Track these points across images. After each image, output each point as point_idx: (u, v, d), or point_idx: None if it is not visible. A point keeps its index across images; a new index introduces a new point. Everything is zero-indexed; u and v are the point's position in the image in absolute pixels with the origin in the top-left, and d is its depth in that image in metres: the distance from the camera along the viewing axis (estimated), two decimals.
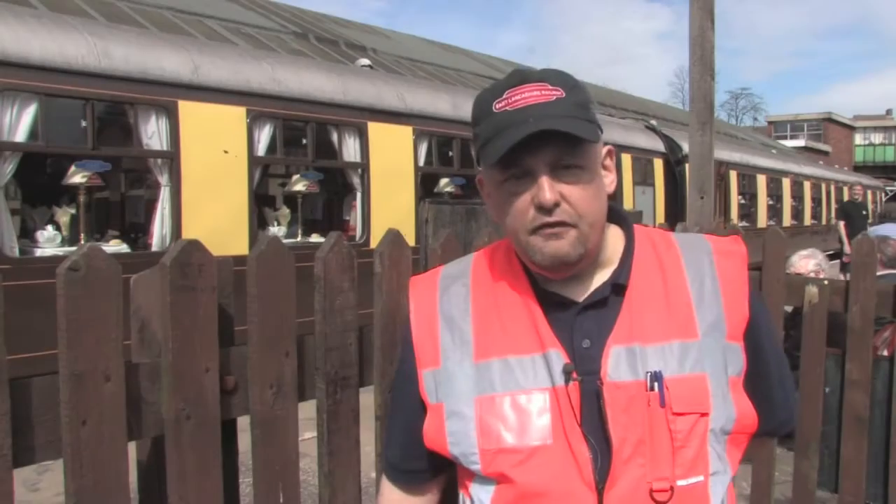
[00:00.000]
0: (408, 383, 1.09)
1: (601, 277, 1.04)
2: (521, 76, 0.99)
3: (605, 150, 1.04)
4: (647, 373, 0.96)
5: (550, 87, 0.97)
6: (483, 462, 0.98)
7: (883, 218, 8.12)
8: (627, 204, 11.11)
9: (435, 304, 1.09)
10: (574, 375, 0.96)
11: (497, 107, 0.98)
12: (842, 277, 5.36)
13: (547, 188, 0.95)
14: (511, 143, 0.93)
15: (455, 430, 1.01)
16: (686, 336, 0.99)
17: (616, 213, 1.09)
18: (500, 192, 1.00)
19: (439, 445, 1.03)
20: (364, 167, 7.20)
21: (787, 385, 1.13)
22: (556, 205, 0.95)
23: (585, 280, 1.04)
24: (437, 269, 1.17)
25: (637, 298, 1.01)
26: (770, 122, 44.72)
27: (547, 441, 0.96)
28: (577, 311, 1.01)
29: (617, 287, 1.02)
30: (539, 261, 0.99)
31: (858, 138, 43.44)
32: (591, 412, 0.95)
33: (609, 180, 1.05)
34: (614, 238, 1.08)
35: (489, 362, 1.01)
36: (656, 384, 0.95)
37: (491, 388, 0.99)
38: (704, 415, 0.96)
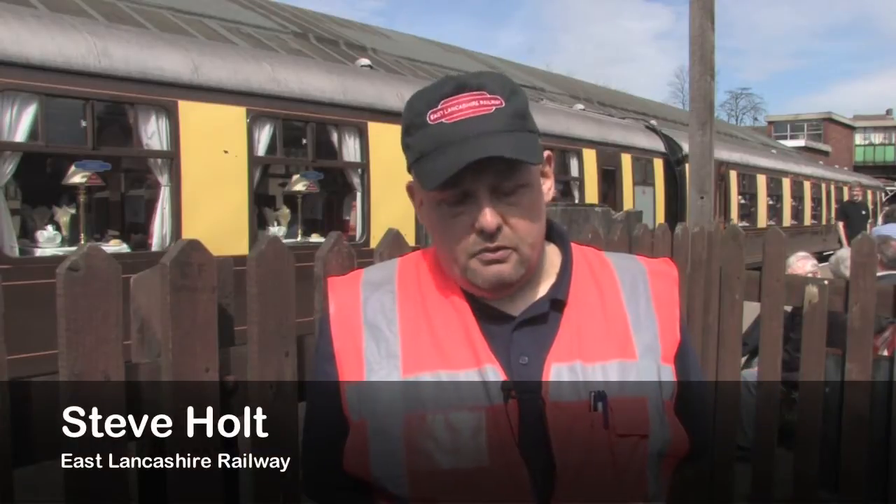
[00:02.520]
0: (327, 398, 0.99)
1: (538, 292, 0.99)
2: (457, 84, 0.92)
3: (545, 156, 0.99)
4: (591, 392, 0.92)
5: (489, 96, 0.91)
6: (411, 486, 0.90)
7: (888, 218, 8.18)
8: (627, 204, 11.10)
9: (358, 310, 0.99)
10: (512, 393, 0.91)
11: (432, 118, 0.91)
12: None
13: (489, 215, 0.90)
14: (452, 170, 0.88)
15: (380, 450, 0.92)
16: (625, 356, 0.96)
17: (553, 229, 1.05)
18: (437, 211, 0.95)
19: (361, 468, 0.94)
20: (364, 167, 7.20)
21: (706, 411, 1.14)
22: (499, 229, 0.91)
23: (523, 295, 0.99)
24: (358, 272, 1.07)
25: (576, 315, 0.97)
26: (770, 122, 44.70)
27: (483, 463, 0.89)
28: (513, 326, 0.96)
29: (555, 303, 0.98)
30: (480, 284, 0.94)
31: (858, 138, 43.44)
32: (530, 433, 0.90)
33: (547, 187, 1.01)
34: (551, 253, 1.04)
35: (419, 377, 0.93)
36: (600, 404, 0.91)
37: (421, 405, 0.91)
38: (644, 437, 0.93)
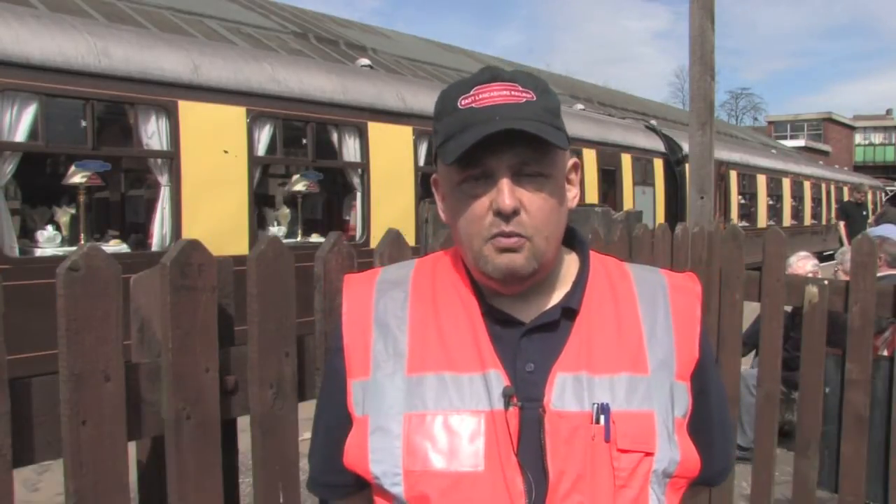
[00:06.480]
0: (334, 393, 1.00)
1: (552, 300, 0.98)
2: (492, 74, 0.94)
3: (570, 162, 1.00)
4: (594, 404, 0.90)
5: (521, 89, 0.92)
6: (406, 484, 0.90)
7: (882, 219, 8.14)
8: (627, 204, 11.11)
9: (370, 308, 1.00)
10: (514, 400, 0.90)
11: (462, 103, 0.92)
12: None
13: (507, 193, 0.89)
14: (473, 140, 0.87)
15: (379, 446, 0.92)
16: (636, 370, 0.94)
17: (574, 236, 1.05)
18: (456, 193, 0.94)
19: (360, 463, 0.94)
20: (364, 167, 7.21)
21: (727, 433, 1.10)
22: (515, 213, 0.90)
23: (535, 301, 0.98)
24: (376, 270, 1.08)
25: (588, 326, 0.96)
26: (770, 122, 44.71)
27: (478, 468, 0.88)
28: (522, 333, 0.95)
29: (567, 311, 0.96)
30: (490, 272, 0.93)
31: (858, 138, 43.47)
32: (529, 441, 0.89)
33: (572, 195, 1.00)
34: (569, 261, 1.03)
35: (423, 377, 0.93)
36: (602, 417, 0.90)
37: (422, 405, 0.92)
38: (649, 454, 0.91)
